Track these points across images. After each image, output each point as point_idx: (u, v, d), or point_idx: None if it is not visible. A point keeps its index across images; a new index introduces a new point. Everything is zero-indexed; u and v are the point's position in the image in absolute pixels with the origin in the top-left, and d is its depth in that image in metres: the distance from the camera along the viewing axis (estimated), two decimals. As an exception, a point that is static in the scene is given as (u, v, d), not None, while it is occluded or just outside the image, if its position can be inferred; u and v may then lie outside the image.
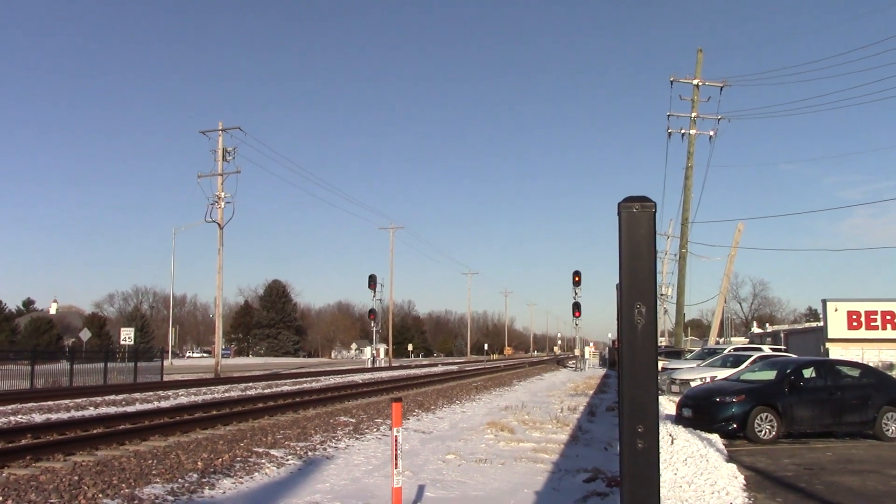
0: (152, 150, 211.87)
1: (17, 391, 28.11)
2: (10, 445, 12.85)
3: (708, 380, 22.83)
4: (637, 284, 3.23)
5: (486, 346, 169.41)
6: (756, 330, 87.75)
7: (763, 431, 15.51)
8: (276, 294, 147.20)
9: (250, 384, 35.59)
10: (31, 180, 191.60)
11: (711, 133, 39.33)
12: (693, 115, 39.22)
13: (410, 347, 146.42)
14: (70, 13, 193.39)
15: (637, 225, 3.29)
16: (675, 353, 39.06)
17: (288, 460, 12.37)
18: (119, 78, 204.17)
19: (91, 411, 20.38)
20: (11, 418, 18.27)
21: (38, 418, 18.30)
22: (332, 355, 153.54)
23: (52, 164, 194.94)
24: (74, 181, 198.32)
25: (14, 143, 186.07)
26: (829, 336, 35.08)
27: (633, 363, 3.23)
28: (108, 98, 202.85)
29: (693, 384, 22.70)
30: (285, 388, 31.64)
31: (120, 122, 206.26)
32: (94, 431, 15.05)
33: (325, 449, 13.73)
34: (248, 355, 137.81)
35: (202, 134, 49.02)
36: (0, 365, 34.97)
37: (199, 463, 11.55)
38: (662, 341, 74.83)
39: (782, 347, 42.60)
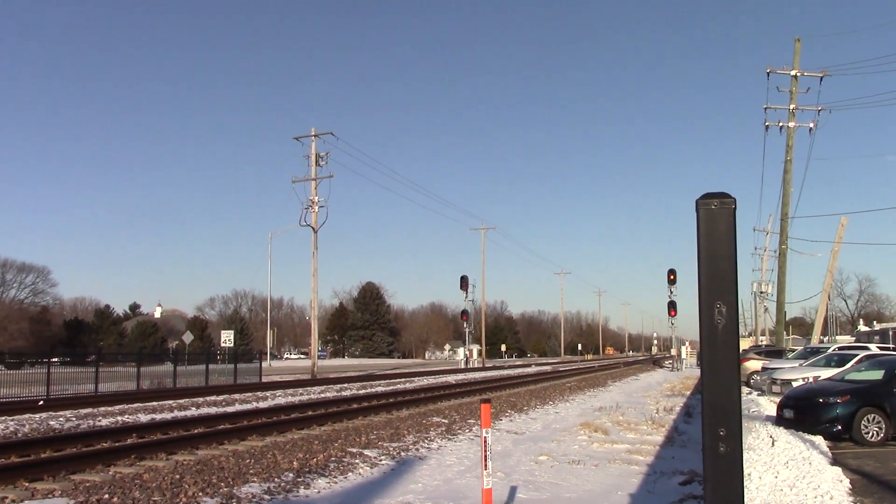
0: (249, 156, 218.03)
1: (124, 392, 29.31)
2: (116, 445, 13.39)
3: (811, 380, 22.05)
4: (717, 283, 3.13)
5: (579, 347, 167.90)
6: (862, 328, 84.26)
7: (870, 433, 14.87)
8: (370, 296, 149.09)
9: (345, 385, 36.17)
10: (135, 191, 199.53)
11: (811, 125, 38.01)
12: (791, 107, 37.96)
13: (504, 348, 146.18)
14: (169, 21, 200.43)
15: (716, 222, 3.20)
16: (777, 353, 37.93)
17: (381, 460, 12.51)
18: (219, 88, 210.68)
19: (193, 412, 21.05)
20: (118, 418, 19.03)
21: (143, 418, 19.00)
22: (426, 356, 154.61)
23: (155, 174, 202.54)
24: (177, 188, 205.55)
25: (118, 155, 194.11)
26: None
27: (713, 364, 3.14)
28: (206, 106, 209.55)
29: (795, 384, 21.96)
30: (379, 389, 32.03)
31: (218, 130, 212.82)
32: (195, 431, 15.53)
33: (417, 449, 13.83)
34: (343, 356, 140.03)
35: (296, 140, 50.14)
36: (109, 367, 36.60)
37: (294, 463, 11.79)
38: (763, 340, 72.71)
39: (891, 346, 40.75)
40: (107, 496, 9.09)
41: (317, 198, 48.47)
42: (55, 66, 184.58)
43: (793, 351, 38.12)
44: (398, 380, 42.56)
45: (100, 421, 18.45)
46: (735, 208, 3.19)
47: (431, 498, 9.56)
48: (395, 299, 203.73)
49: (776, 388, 24.02)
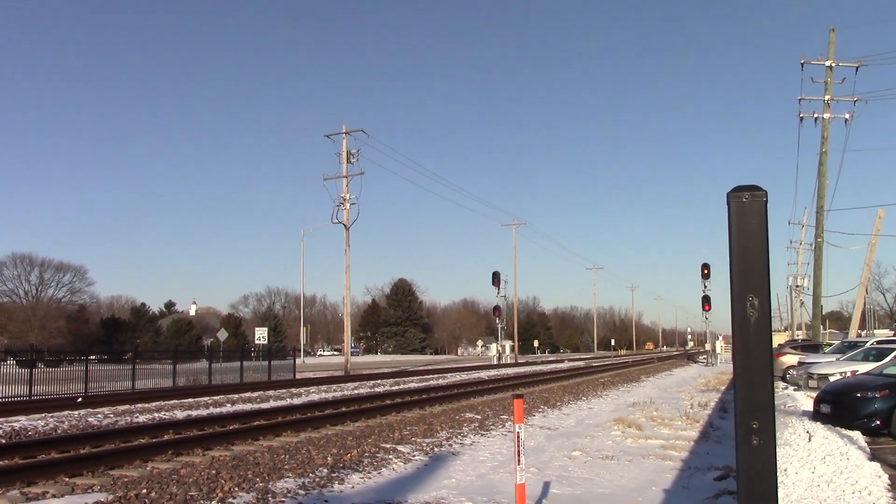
0: (281, 154, 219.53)
1: (160, 389, 29.69)
2: (153, 441, 13.57)
3: (848, 374, 21.73)
4: (749, 277, 3.11)
5: (612, 342, 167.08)
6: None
7: (909, 429, 14.64)
8: (402, 292, 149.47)
9: (378, 381, 36.32)
10: (169, 190, 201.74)
11: (847, 116, 37.39)
12: (826, 98, 37.39)
13: (536, 344, 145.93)
14: (205, 20, 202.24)
15: (748, 215, 3.18)
16: (813, 347, 37.43)
17: (414, 456, 12.55)
18: (252, 86, 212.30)
19: (228, 408, 21.27)
20: (155, 415, 19.27)
21: (180, 415, 19.23)
22: (458, 352, 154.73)
23: (189, 173, 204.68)
24: (210, 187, 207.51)
25: (152, 155, 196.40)
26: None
27: (746, 358, 3.12)
28: (239, 104, 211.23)
29: (832, 378, 21.66)
30: (412, 385, 32.12)
31: (250, 129, 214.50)
32: (231, 427, 15.68)
33: (450, 445, 13.86)
34: (376, 353, 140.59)
35: (327, 137, 50.53)
36: (146, 364, 37.07)
37: (328, 458, 11.87)
38: (800, 334, 71.82)
39: (930, 339, 40.08)
40: (144, 491, 9.22)
41: (348, 195, 48.77)
42: (89, 65, 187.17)
43: (830, 345, 37.60)
44: (431, 376, 42.64)
45: (137, 417, 18.70)
46: (766, 201, 3.17)
47: (465, 493, 9.58)
48: (427, 295, 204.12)
49: (813, 383, 23.72)
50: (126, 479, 10.07)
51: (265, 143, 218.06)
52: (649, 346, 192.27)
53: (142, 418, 18.47)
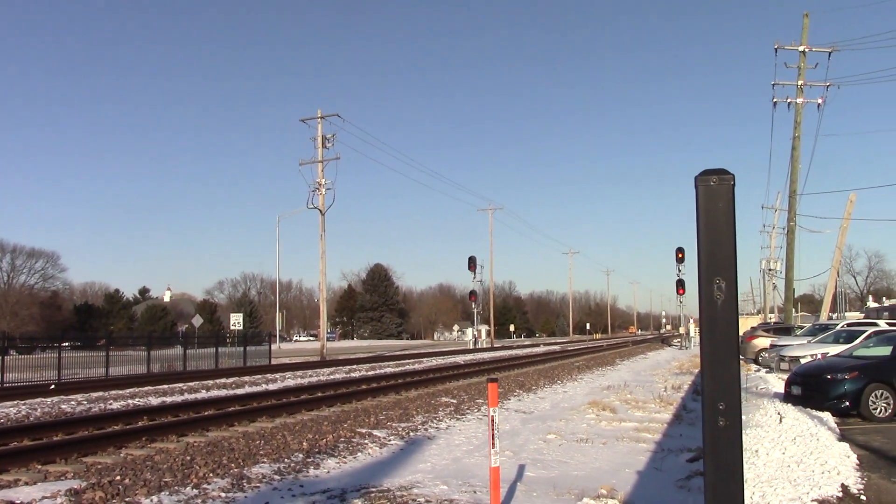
0: (257, 139, 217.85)
1: (135, 376, 29.50)
2: (127, 427, 13.50)
3: (819, 356, 22.05)
4: (716, 259, 3.15)
5: (588, 326, 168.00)
6: (871, 304, 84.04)
7: (878, 409, 14.89)
8: (379, 278, 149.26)
9: (354, 366, 36.32)
10: (143, 175, 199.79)
11: (819, 101, 37.72)
12: (800, 83, 37.69)
13: (512, 328, 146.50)
14: (175, 3, 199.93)
15: (715, 198, 3.21)
16: (785, 330, 37.91)
17: (390, 440, 12.59)
18: (226, 71, 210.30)
19: (203, 394, 21.20)
20: (129, 401, 19.17)
21: (154, 401, 19.14)
22: (435, 337, 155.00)
23: (163, 158, 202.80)
24: (184, 172, 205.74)
25: (126, 141, 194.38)
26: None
27: (713, 340, 3.16)
28: (214, 89, 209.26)
29: (803, 361, 21.97)
30: (388, 370, 32.17)
31: (226, 114, 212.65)
32: (206, 413, 15.63)
33: (426, 429, 13.90)
34: (352, 338, 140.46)
35: (302, 122, 50.19)
36: (120, 351, 36.83)
37: (304, 443, 11.88)
38: (772, 317, 72.64)
39: (900, 322, 40.67)
40: (118, 477, 9.18)
41: (324, 180, 48.54)
42: (59, 56, 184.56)
43: (801, 328, 38.08)
44: (407, 361, 42.69)
45: (111, 404, 18.59)
46: (734, 184, 3.20)
47: (440, 477, 9.62)
48: (404, 281, 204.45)
49: (784, 365, 24.04)
50: (100, 466, 10.02)
51: (241, 127, 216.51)
52: (632, 329, 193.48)
53: (116, 405, 18.36)
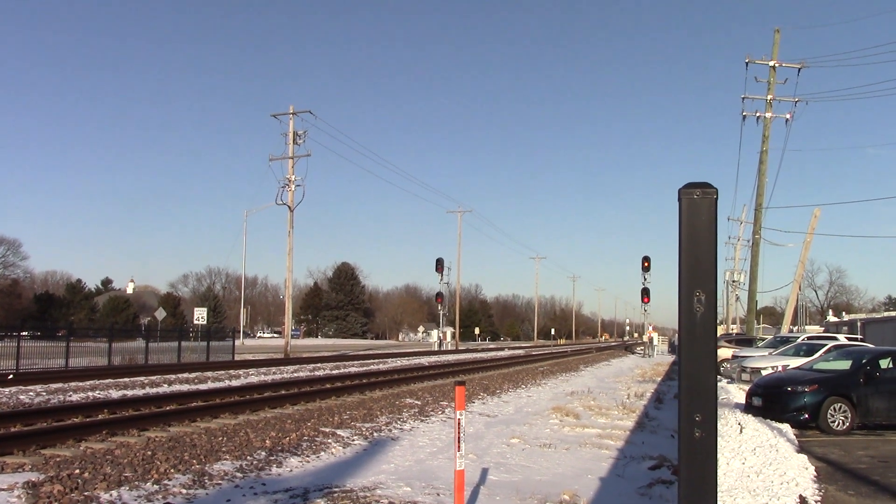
0: (226, 133, 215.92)
1: (95, 368, 29.12)
2: (87, 420, 13.32)
3: (780, 368, 22.34)
4: (697, 272, 3.17)
5: (552, 331, 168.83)
6: (832, 318, 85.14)
7: (836, 422, 15.12)
8: (345, 276, 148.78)
9: (318, 365, 36.15)
10: (109, 165, 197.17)
11: (788, 116, 38.20)
12: (769, 97, 38.14)
13: (477, 331, 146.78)
14: (140, 3, 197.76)
15: (698, 211, 3.24)
16: (747, 341, 38.33)
17: (354, 440, 12.54)
18: (196, 64, 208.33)
19: (165, 388, 20.97)
20: (90, 394, 18.91)
21: (115, 394, 18.90)
22: (400, 338, 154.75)
23: (130, 149, 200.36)
24: (151, 164, 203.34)
25: (92, 130, 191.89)
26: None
27: (692, 352, 3.19)
28: (183, 82, 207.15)
29: (764, 372, 22.23)
30: (352, 370, 32.06)
31: (195, 106, 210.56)
32: (168, 408, 15.47)
33: (390, 430, 13.88)
34: (317, 336, 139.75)
35: (273, 117, 49.81)
36: (80, 342, 36.30)
37: (267, 441, 11.80)
38: (734, 329, 73.42)
39: (859, 337, 41.28)
40: (78, 471, 9.05)
41: (294, 176, 48.27)
42: (26, 45, 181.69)
43: (763, 340, 38.55)
44: (372, 361, 42.58)
45: (70, 396, 18.33)
46: (717, 198, 3.23)
47: (403, 478, 9.61)
48: (370, 280, 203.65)
49: (746, 377, 24.30)
50: (59, 459, 9.87)
51: (210, 120, 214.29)
52: (605, 336, 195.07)
53: (75, 397, 18.11)
